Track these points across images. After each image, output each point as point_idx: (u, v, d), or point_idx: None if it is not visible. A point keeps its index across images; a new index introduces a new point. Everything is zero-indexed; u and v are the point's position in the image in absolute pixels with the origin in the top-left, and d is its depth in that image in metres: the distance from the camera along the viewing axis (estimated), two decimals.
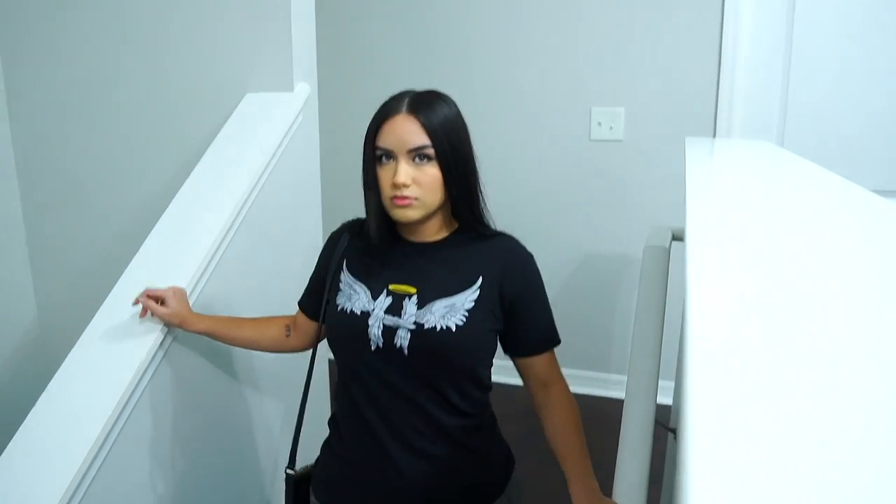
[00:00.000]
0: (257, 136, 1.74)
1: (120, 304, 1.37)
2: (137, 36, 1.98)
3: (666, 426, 1.55)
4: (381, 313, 1.08)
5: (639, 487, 1.00)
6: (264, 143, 1.71)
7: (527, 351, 1.16)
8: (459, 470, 1.12)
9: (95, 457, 1.18)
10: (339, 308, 1.13)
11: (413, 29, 2.88)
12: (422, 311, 1.06)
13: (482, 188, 1.14)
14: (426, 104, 1.06)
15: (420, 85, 1.14)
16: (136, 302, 1.31)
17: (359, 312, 1.10)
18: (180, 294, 1.34)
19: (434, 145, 1.04)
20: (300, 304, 1.29)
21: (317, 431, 1.27)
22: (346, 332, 1.11)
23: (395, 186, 1.04)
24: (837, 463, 0.31)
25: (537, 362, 1.17)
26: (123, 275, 1.44)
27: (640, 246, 1.70)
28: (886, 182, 2.36)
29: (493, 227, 1.17)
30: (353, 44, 2.99)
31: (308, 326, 1.28)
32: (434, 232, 1.14)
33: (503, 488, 1.19)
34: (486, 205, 1.15)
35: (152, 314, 1.32)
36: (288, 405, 1.83)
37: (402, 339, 1.05)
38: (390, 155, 1.06)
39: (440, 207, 1.11)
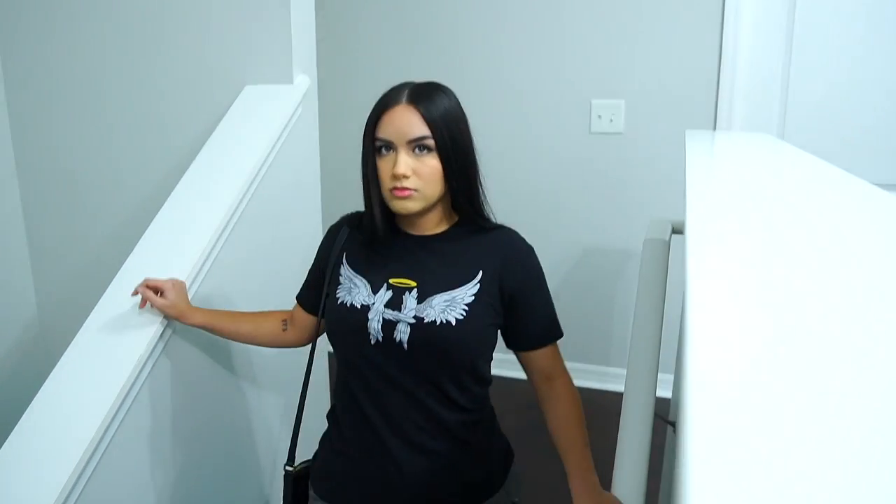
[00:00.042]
0: (256, 129, 1.74)
1: (119, 297, 1.37)
2: (136, 29, 1.97)
3: (665, 419, 1.55)
4: (382, 307, 1.08)
5: (638, 480, 1.00)
6: (263, 136, 1.70)
7: (529, 345, 1.16)
8: (458, 465, 1.12)
9: (95, 450, 1.18)
10: (338, 301, 1.12)
11: (412, 22, 2.87)
12: (422, 305, 1.06)
13: (482, 181, 1.14)
14: (426, 95, 1.06)
15: (419, 77, 1.14)
16: (136, 292, 1.31)
17: (359, 306, 1.09)
18: (180, 286, 1.34)
19: (434, 136, 1.04)
20: (298, 298, 1.29)
21: (316, 426, 1.27)
22: (345, 326, 1.11)
23: (395, 177, 1.04)
24: (836, 457, 0.31)
25: (540, 356, 1.16)
26: (122, 268, 1.44)
27: (639, 239, 1.70)
28: (886, 176, 2.35)
29: (493, 220, 1.16)
30: (352, 36, 2.98)
31: (306, 321, 1.28)
32: (434, 225, 1.14)
33: (502, 482, 1.18)
34: (486, 198, 1.14)
35: (151, 305, 1.31)
36: (288, 399, 1.83)
37: (402, 333, 1.05)
38: (390, 146, 1.05)
39: (440, 200, 1.10)
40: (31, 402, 1.23)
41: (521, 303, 1.12)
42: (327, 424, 1.22)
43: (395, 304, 1.07)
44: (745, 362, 0.41)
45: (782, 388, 0.38)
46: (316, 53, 1.95)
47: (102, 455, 1.20)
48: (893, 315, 0.49)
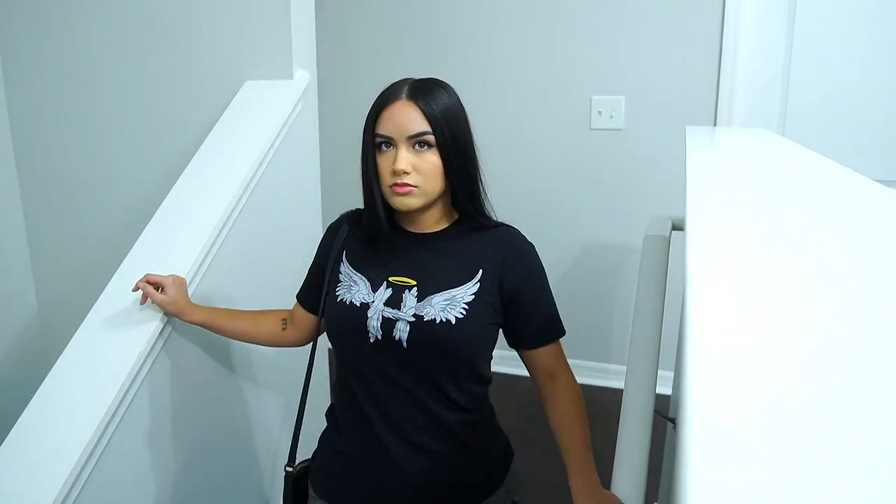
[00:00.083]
0: (256, 125, 1.73)
1: (118, 294, 1.37)
2: (135, 26, 1.97)
3: (665, 416, 1.55)
4: (381, 305, 1.07)
5: (638, 477, 1.00)
6: (263, 132, 1.70)
7: (530, 343, 1.15)
8: (458, 465, 1.11)
9: (94, 450, 1.18)
10: (338, 299, 1.12)
11: (412, 18, 2.86)
12: (422, 303, 1.06)
13: (483, 178, 1.13)
14: (426, 91, 1.06)
15: (419, 74, 1.13)
16: (136, 288, 1.31)
17: (358, 304, 1.09)
18: (180, 282, 1.33)
19: (434, 132, 1.04)
20: (298, 296, 1.29)
21: (316, 425, 1.27)
22: (344, 325, 1.10)
23: (395, 173, 1.04)
24: (837, 454, 0.31)
25: (542, 354, 1.16)
26: (122, 265, 1.44)
27: (640, 235, 1.70)
28: (886, 172, 2.35)
29: (494, 217, 1.16)
30: (352, 32, 2.97)
31: (305, 320, 1.27)
32: (434, 222, 1.14)
33: (502, 481, 1.18)
34: (486, 195, 1.14)
35: (151, 301, 1.31)
36: (288, 399, 1.83)
37: (402, 331, 1.05)
38: (390, 142, 1.05)
39: (440, 197, 1.10)
40: (31, 398, 1.23)
41: (522, 302, 1.12)
42: (326, 423, 1.22)
43: (394, 302, 1.07)
44: (746, 359, 0.41)
45: (783, 384, 0.38)
46: (316, 50, 1.95)
47: (101, 454, 1.20)
48: (893, 310, 0.48)
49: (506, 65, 2.78)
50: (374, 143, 1.07)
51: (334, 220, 1.25)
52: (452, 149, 1.06)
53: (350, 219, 1.21)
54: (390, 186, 1.05)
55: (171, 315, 1.33)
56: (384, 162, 1.06)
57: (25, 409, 1.21)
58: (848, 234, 0.71)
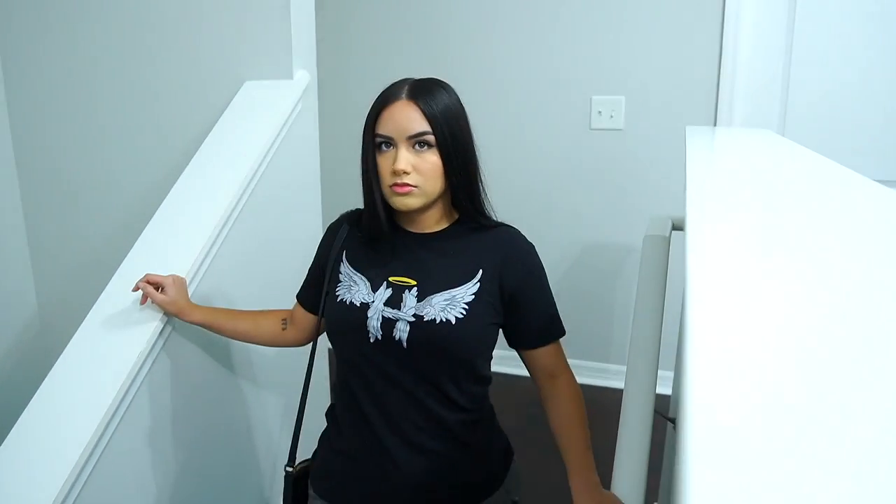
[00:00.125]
0: (256, 125, 1.73)
1: (118, 294, 1.37)
2: (135, 25, 1.97)
3: (665, 416, 1.55)
4: (381, 305, 1.07)
5: (638, 477, 1.00)
6: (263, 132, 1.70)
7: (530, 343, 1.15)
8: (458, 465, 1.11)
9: (94, 449, 1.18)
10: (338, 299, 1.12)
11: (412, 18, 2.86)
12: (422, 303, 1.06)
13: (483, 178, 1.13)
14: (426, 91, 1.06)
15: (419, 74, 1.13)
16: (136, 288, 1.31)
17: (358, 304, 1.09)
18: (180, 282, 1.33)
19: (434, 132, 1.04)
20: (298, 297, 1.28)
21: (316, 425, 1.27)
22: (344, 324, 1.10)
23: (395, 173, 1.04)
24: (837, 454, 0.31)
25: (542, 354, 1.16)
26: (122, 265, 1.44)
27: (640, 235, 1.70)
28: (886, 172, 2.35)
29: (494, 217, 1.16)
30: (352, 32, 2.97)
31: (305, 320, 1.27)
32: (434, 222, 1.13)
33: (502, 481, 1.18)
34: (486, 195, 1.14)
35: (151, 301, 1.31)
36: (288, 399, 1.83)
37: (401, 331, 1.05)
38: (390, 142, 1.05)
39: (440, 197, 1.10)
40: (31, 398, 1.23)
41: (522, 302, 1.12)
42: (326, 423, 1.22)
43: (394, 302, 1.07)
44: (746, 359, 0.41)
45: (783, 384, 0.38)
46: (316, 50, 1.95)
47: (101, 454, 1.20)
48: (893, 309, 0.48)
49: (506, 65, 2.78)
50: (374, 143, 1.07)
51: (334, 220, 1.25)
52: (452, 149, 1.06)
53: (350, 219, 1.21)
54: (390, 186, 1.05)
55: (171, 315, 1.33)
56: (384, 162, 1.06)
57: (25, 409, 1.21)
58: (848, 234, 0.71)
